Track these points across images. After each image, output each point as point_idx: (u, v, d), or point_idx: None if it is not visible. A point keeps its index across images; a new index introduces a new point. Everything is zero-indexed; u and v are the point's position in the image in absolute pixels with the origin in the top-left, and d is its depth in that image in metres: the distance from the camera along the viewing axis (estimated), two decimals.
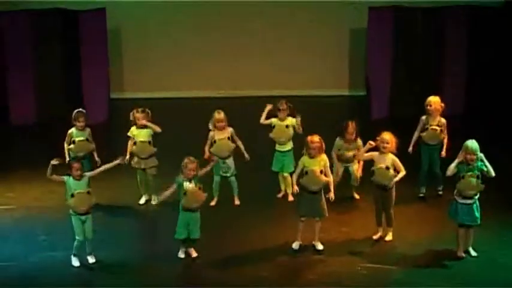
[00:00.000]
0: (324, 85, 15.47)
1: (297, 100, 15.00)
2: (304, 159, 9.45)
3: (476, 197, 9.17)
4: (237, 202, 10.85)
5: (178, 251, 9.36)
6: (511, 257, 9.34)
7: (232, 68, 15.66)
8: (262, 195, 10.97)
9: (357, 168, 10.59)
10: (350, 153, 10.51)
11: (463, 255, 9.29)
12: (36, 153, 12.44)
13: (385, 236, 9.80)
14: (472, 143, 9.07)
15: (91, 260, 9.25)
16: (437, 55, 14.49)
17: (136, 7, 15.35)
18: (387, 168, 9.49)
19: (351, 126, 10.43)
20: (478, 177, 9.05)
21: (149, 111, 10.73)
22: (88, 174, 9.24)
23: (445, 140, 10.56)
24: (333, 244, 9.62)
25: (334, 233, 9.87)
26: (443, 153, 10.49)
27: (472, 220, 9.19)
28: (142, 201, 10.94)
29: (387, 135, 9.52)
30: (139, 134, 10.66)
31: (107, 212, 10.45)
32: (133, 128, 10.71)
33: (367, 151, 9.65)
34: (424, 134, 10.60)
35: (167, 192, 9.25)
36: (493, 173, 9.02)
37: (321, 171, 9.36)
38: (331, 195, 9.40)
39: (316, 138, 9.34)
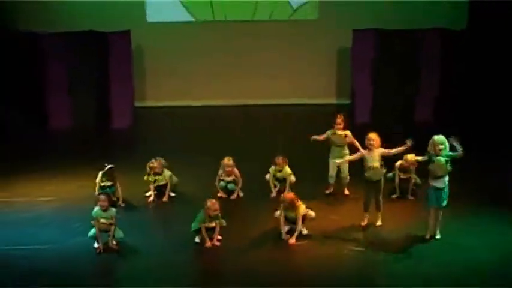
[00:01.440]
0: (315, 95, 15.38)
1: (292, 107, 15.27)
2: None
3: (446, 183, 9.12)
4: (240, 195, 10.71)
5: (190, 239, 9.28)
6: (473, 240, 9.31)
7: (238, 80, 15.55)
8: (261, 194, 10.81)
9: (344, 168, 10.47)
10: (340, 139, 10.36)
11: (428, 237, 9.25)
12: (71, 153, 12.48)
13: (376, 221, 9.73)
14: (438, 137, 9.05)
15: (115, 242, 9.17)
16: (411, 71, 14.42)
17: (157, 29, 15.29)
18: (380, 166, 9.47)
19: (339, 117, 10.37)
20: (446, 161, 9.01)
21: (161, 159, 10.53)
22: (113, 213, 9.10)
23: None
24: (324, 231, 9.56)
25: (324, 221, 9.76)
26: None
27: (439, 203, 9.18)
28: (148, 194, 10.69)
29: (373, 135, 9.48)
30: (160, 179, 10.56)
31: (127, 204, 10.43)
32: (151, 177, 10.53)
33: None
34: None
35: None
36: (461, 152, 8.93)
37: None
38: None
39: (290, 195, 9.29)
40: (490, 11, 14.06)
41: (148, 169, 10.51)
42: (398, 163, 10.49)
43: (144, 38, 15.10)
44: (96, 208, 9.05)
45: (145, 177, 10.64)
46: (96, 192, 10.15)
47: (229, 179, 10.64)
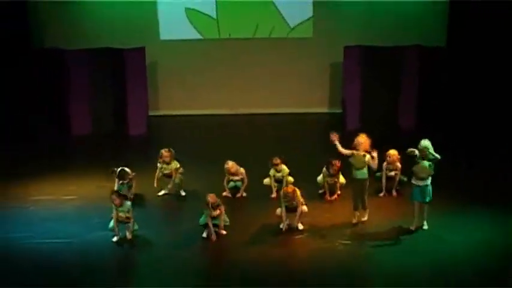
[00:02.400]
0: (310, 105, 15.35)
1: (289, 116, 15.27)
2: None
3: (429, 181, 9.14)
4: (244, 194, 10.69)
5: (199, 233, 9.28)
6: (453, 232, 9.35)
7: (241, 91, 15.52)
8: (262, 194, 10.79)
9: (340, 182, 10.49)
10: (332, 182, 10.40)
11: (413, 228, 9.28)
12: (91, 156, 12.48)
13: (363, 217, 9.72)
14: (423, 142, 9.09)
15: (129, 236, 9.23)
16: (394, 83, 14.37)
17: (169, 46, 15.27)
18: (366, 167, 9.38)
19: (337, 164, 10.26)
20: (429, 165, 9.05)
21: (172, 150, 10.57)
22: (129, 206, 9.14)
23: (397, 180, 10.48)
24: (318, 227, 9.60)
25: (319, 219, 9.82)
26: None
27: (423, 198, 9.20)
28: (161, 193, 10.74)
29: (361, 138, 9.41)
30: (167, 168, 10.57)
31: (140, 201, 10.45)
32: (160, 164, 10.54)
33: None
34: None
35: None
36: (438, 157, 8.99)
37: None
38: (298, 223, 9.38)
39: (290, 188, 9.30)
40: (467, 30, 14.05)
41: (160, 155, 10.52)
42: (385, 164, 10.47)
43: (157, 53, 15.10)
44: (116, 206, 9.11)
45: (158, 172, 10.58)
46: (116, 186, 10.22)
47: (237, 178, 10.60)
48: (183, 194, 10.71)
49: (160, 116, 15.17)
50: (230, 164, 10.50)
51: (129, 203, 9.24)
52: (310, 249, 9.04)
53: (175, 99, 15.48)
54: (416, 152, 9.22)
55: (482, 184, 11.06)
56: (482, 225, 9.60)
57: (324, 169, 10.43)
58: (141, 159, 11.01)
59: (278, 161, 10.50)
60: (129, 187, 10.31)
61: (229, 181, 10.65)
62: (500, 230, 9.46)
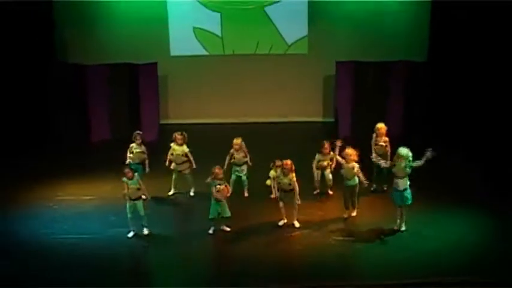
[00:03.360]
0: (305, 114, 15.25)
1: (287, 124, 15.23)
2: (279, 175, 9.52)
3: (407, 186, 9.14)
4: (246, 194, 10.77)
5: (208, 229, 9.36)
6: (433, 231, 9.39)
7: (243, 102, 15.40)
8: (261, 193, 10.86)
9: (329, 174, 10.49)
10: (325, 163, 10.43)
11: (396, 228, 9.34)
12: (108, 160, 12.25)
13: (352, 213, 9.81)
14: (401, 151, 9.13)
15: (145, 232, 9.29)
16: (382, 94, 14.28)
17: (178, 61, 15.16)
18: (355, 175, 9.51)
19: (326, 144, 10.39)
20: (405, 166, 9.02)
21: (185, 134, 10.70)
22: (137, 177, 9.25)
23: (389, 152, 10.38)
24: (313, 223, 9.65)
25: (313, 216, 9.88)
26: (388, 163, 9.85)
27: (403, 202, 9.22)
28: (170, 193, 10.81)
29: (350, 150, 9.51)
30: (177, 149, 10.63)
31: (153, 201, 10.40)
32: (173, 144, 10.66)
33: (339, 152, 9.64)
34: (376, 147, 10.45)
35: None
36: (420, 163, 8.99)
37: (289, 184, 9.37)
38: (298, 201, 9.43)
39: (289, 162, 9.36)
40: (445, 47, 14.08)
41: (173, 136, 10.61)
42: (374, 136, 10.45)
43: (168, 68, 15.01)
44: (124, 178, 9.11)
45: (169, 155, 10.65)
46: (127, 158, 10.49)
47: (241, 162, 10.53)
48: (192, 194, 10.73)
49: (171, 124, 15.07)
50: (235, 140, 10.52)
51: (137, 174, 9.28)
52: (306, 244, 9.10)
53: (184, 109, 15.35)
54: (382, 163, 9.36)
55: (461, 186, 11.08)
56: (461, 223, 9.67)
57: (317, 154, 10.44)
58: (153, 163, 11.02)
59: (279, 163, 10.49)
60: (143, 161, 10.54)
61: (232, 164, 10.56)
62: (478, 227, 9.54)
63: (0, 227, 9.63)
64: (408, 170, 9.09)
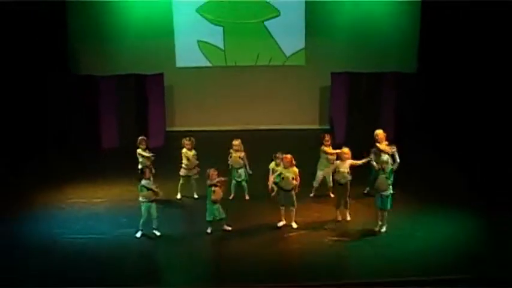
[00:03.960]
0: (303, 122, 15.26)
1: (285, 131, 15.23)
2: (281, 169, 9.45)
3: (389, 192, 9.17)
4: (247, 197, 10.77)
5: (206, 229, 9.43)
6: (421, 232, 9.42)
7: (245, 110, 15.40)
8: (262, 196, 10.69)
9: (330, 178, 10.43)
10: (331, 167, 10.15)
11: (377, 229, 9.36)
12: (118, 165, 12.44)
13: (346, 217, 9.78)
14: (383, 157, 9.27)
15: (157, 233, 9.29)
16: (374, 103, 14.35)
17: (184, 72, 15.16)
18: (348, 173, 9.58)
19: (326, 137, 10.47)
20: (387, 178, 9.09)
21: (193, 139, 10.79)
22: (151, 181, 9.27)
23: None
24: (310, 224, 9.68)
25: (310, 218, 9.90)
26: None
27: (384, 206, 9.25)
28: (178, 196, 10.85)
29: (346, 149, 9.69)
30: (189, 153, 10.70)
31: (160, 203, 10.26)
32: (184, 150, 10.71)
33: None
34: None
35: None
36: (396, 164, 9.17)
37: (293, 178, 9.36)
38: (297, 190, 9.44)
39: (289, 156, 9.40)
40: (435, 58, 14.15)
41: (182, 142, 10.68)
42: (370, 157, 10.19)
43: (174, 78, 15.03)
44: (143, 181, 9.13)
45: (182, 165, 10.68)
46: (140, 159, 10.55)
47: (236, 155, 10.51)
48: (196, 196, 10.79)
49: (176, 131, 15.12)
50: (235, 141, 10.58)
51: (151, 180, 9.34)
52: (304, 244, 9.15)
53: (188, 117, 15.33)
54: (374, 164, 9.35)
55: (448, 189, 11.12)
56: (447, 225, 9.70)
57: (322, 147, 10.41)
58: (160, 168, 11.05)
59: (279, 155, 10.41)
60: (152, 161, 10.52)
61: (232, 171, 10.58)
62: (463, 228, 9.59)
63: (17, 227, 9.71)
64: (390, 181, 9.16)
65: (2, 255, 8.77)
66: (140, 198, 9.20)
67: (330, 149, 10.38)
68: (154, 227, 9.30)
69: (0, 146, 12.73)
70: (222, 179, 9.34)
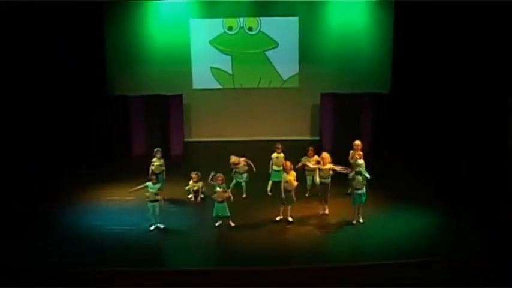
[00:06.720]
0: (296, 133, 15.01)
1: (282, 141, 15.07)
2: (283, 174, 9.48)
3: (363, 190, 9.15)
4: (244, 195, 10.59)
5: (215, 222, 9.51)
6: (393, 223, 9.44)
7: (249, 124, 15.26)
8: (262, 195, 10.72)
9: (316, 179, 10.23)
10: (311, 164, 10.16)
11: (355, 222, 9.39)
12: (145, 169, 11.52)
13: (325, 211, 9.83)
14: (358, 161, 9.21)
15: (161, 226, 9.34)
16: (355, 118, 14.37)
17: (199, 93, 15.10)
18: (328, 175, 9.56)
19: (310, 149, 10.42)
20: (363, 178, 9.10)
21: (199, 174, 10.48)
22: (159, 186, 9.35)
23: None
24: (302, 219, 9.70)
25: (303, 213, 9.90)
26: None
27: (360, 201, 9.28)
28: (190, 196, 10.72)
29: (325, 154, 9.68)
30: (195, 185, 10.54)
31: (170, 202, 10.46)
32: (191, 182, 10.55)
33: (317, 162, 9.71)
34: (352, 160, 10.11)
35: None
36: (368, 177, 9.04)
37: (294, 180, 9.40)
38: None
39: (288, 162, 9.43)
40: (405, 80, 14.10)
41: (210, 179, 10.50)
42: (351, 152, 10.17)
43: (191, 98, 14.98)
44: (149, 183, 9.24)
45: (186, 187, 10.69)
46: (150, 170, 10.36)
47: (243, 171, 10.31)
48: (202, 196, 10.74)
49: (193, 141, 15.16)
50: (233, 159, 10.44)
51: (159, 184, 9.27)
52: (297, 234, 9.24)
53: (203, 130, 15.21)
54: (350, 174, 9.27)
55: (415, 188, 11.15)
56: (414, 217, 9.75)
57: (304, 157, 10.30)
58: (179, 172, 11.20)
59: (279, 146, 10.48)
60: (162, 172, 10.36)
61: (235, 174, 10.41)
62: (427, 220, 9.64)
63: (67, 218, 9.90)
64: (365, 181, 9.23)
65: (60, 240, 9.00)
66: (147, 194, 9.29)
67: (309, 161, 10.25)
68: (158, 221, 9.35)
69: (55, 155, 12.90)
70: (228, 192, 9.25)
